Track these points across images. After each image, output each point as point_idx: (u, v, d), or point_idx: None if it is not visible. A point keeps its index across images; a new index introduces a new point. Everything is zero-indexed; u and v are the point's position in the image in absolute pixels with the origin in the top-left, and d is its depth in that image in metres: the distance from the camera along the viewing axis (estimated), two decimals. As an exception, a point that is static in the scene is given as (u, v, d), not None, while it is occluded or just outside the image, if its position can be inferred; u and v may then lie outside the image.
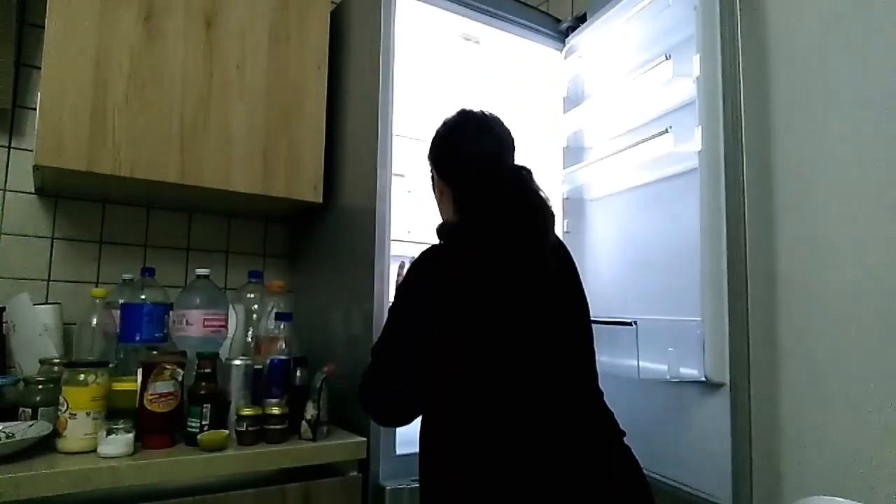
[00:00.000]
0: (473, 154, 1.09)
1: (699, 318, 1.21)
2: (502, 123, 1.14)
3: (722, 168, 1.20)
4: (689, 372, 1.23)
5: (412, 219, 1.61)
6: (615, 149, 1.51)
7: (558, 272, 1.07)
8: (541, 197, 1.04)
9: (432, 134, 1.17)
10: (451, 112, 1.15)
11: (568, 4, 2.02)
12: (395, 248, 1.38)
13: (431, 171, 1.17)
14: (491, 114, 1.14)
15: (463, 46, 1.73)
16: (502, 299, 0.98)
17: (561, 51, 1.77)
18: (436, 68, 1.73)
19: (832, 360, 1.14)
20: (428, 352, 0.98)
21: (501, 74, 1.79)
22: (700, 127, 1.23)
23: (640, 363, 1.28)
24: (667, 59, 1.32)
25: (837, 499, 1.04)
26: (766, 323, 1.23)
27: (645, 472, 0.98)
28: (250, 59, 1.45)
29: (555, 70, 1.79)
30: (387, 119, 1.36)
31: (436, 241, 1.07)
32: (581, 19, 1.73)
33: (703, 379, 1.18)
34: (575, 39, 1.73)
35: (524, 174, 1.06)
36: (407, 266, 1.16)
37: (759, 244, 1.25)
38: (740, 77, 1.22)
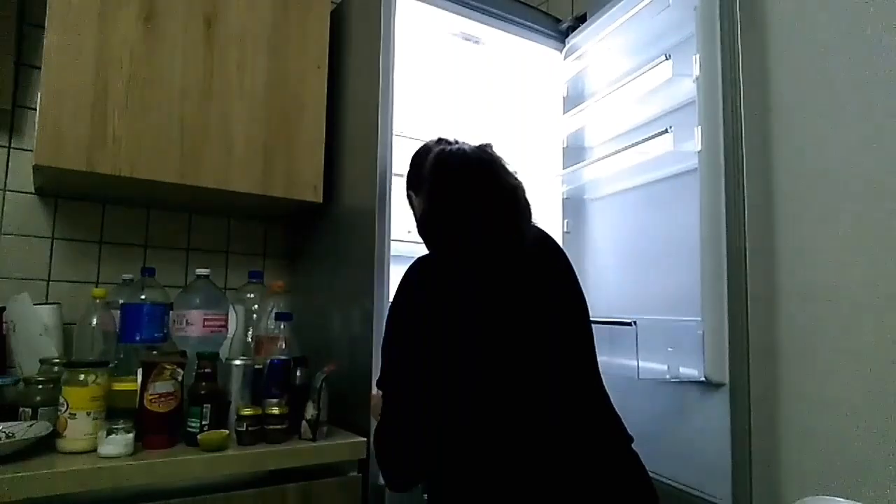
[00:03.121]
0: (444, 159, 1.04)
1: (698, 319, 1.21)
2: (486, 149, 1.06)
3: (722, 168, 1.20)
4: (689, 372, 1.23)
5: (412, 219, 1.61)
6: (614, 148, 1.51)
7: (544, 266, 1.05)
8: (511, 184, 1.00)
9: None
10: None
11: (568, 4, 2.01)
12: (395, 248, 1.38)
13: (408, 194, 1.18)
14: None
15: (463, 46, 1.73)
16: (482, 301, 0.96)
17: (561, 51, 1.77)
18: (436, 68, 1.73)
19: (831, 360, 1.13)
20: (427, 373, 0.94)
21: (501, 74, 1.79)
22: (699, 127, 1.23)
23: (640, 363, 1.28)
24: (667, 58, 1.33)
25: (837, 499, 1.04)
26: (765, 324, 1.23)
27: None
28: (250, 59, 1.45)
29: (554, 70, 1.79)
30: (387, 119, 1.36)
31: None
32: (581, 19, 1.73)
33: (703, 379, 1.18)
34: (575, 39, 1.72)
35: (488, 158, 1.02)
36: None
37: (758, 245, 1.24)
38: (740, 77, 1.23)
